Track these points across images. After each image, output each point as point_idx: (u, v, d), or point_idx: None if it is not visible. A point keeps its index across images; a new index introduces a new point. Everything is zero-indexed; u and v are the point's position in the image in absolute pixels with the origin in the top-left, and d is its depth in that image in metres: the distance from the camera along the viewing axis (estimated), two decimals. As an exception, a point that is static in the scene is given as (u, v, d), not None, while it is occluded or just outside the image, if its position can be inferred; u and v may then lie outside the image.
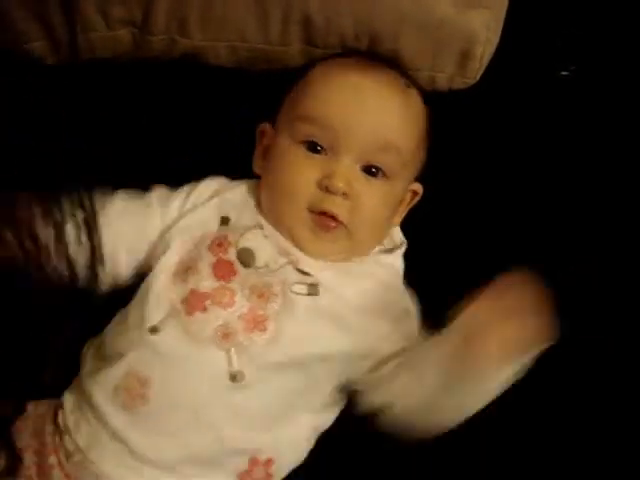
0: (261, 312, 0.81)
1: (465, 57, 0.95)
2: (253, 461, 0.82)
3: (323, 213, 0.84)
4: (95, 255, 0.86)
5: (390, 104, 0.87)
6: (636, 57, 1.01)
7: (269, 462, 0.83)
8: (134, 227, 0.88)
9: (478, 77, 0.97)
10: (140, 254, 0.88)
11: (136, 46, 0.98)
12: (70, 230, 0.85)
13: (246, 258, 0.84)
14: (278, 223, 0.87)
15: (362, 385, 0.85)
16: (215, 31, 0.95)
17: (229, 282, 0.82)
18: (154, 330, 0.81)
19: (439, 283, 0.93)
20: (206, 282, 0.82)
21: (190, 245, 0.86)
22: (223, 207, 0.89)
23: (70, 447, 0.81)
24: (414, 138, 0.89)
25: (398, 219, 0.94)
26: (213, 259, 0.83)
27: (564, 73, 1.03)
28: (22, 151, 0.86)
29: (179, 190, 0.91)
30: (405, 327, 0.86)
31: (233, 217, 0.88)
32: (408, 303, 0.88)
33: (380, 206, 0.87)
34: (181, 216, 0.88)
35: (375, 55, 0.93)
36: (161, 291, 0.83)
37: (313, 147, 0.86)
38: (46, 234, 0.82)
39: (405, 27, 0.92)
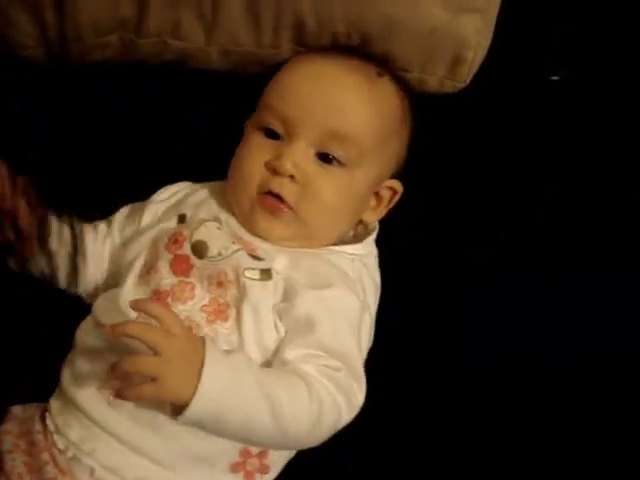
0: (222, 300, 0.82)
1: (456, 61, 0.96)
2: (244, 452, 0.81)
3: (269, 193, 0.85)
4: (76, 251, 0.88)
5: (346, 90, 0.86)
6: (627, 61, 1.02)
7: (263, 454, 0.82)
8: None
9: (468, 81, 0.97)
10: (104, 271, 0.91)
11: (126, 50, 0.97)
12: (54, 225, 0.87)
13: (200, 250, 0.84)
14: (235, 208, 0.88)
15: None
16: (207, 35, 0.96)
17: (188, 277, 0.83)
18: None
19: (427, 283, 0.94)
20: (166, 280, 0.83)
21: (150, 247, 0.86)
22: (181, 207, 0.90)
23: (61, 445, 0.80)
24: (375, 127, 0.87)
25: (375, 216, 0.93)
26: (170, 256, 0.84)
27: (554, 78, 1.03)
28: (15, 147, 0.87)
29: (138, 205, 0.93)
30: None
31: (189, 214, 0.89)
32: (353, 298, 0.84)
33: (335, 194, 0.86)
34: (144, 228, 0.90)
35: (357, 49, 0.93)
36: (128, 295, 0.83)
37: (271, 134, 0.87)
38: (30, 226, 0.84)
39: (396, 30, 0.93)
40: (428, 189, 0.99)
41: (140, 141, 1.00)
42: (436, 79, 0.97)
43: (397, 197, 0.93)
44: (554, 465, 0.91)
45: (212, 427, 0.74)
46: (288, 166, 0.84)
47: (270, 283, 0.82)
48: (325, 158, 0.85)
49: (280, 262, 0.84)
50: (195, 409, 0.70)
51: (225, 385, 0.72)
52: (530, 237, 1.01)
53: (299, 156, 0.84)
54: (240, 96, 0.97)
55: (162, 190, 0.94)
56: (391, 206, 0.93)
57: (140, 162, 0.98)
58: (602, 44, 1.02)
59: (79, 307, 0.89)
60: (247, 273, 0.82)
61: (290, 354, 0.79)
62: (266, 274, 0.82)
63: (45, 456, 0.80)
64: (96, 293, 0.91)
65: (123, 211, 0.94)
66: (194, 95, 1.01)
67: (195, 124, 1.01)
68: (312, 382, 0.76)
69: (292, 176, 0.84)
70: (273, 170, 0.84)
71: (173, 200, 0.93)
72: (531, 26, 1.01)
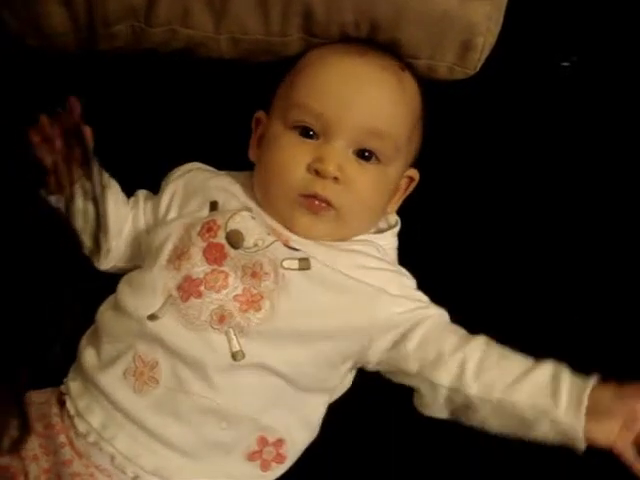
0: (255, 291, 0.82)
1: (466, 48, 0.95)
2: (261, 440, 0.82)
3: (314, 196, 0.85)
4: (99, 223, 0.89)
5: (383, 89, 0.87)
6: (637, 48, 1.01)
7: (280, 442, 0.83)
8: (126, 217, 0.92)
9: (478, 67, 0.97)
10: (131, 243, 0.92)
11: (136, 39, 0.98)
12: (78, 197, 0.88)
13: (235, 240, 0.84)
14: (270, 207, 0.88)
15: (387, 365, 0.87)
16: (216, 23, 0.95)
17: (221, 265, 0.83)
18: (153, 317, 0.82)
19: (438, 272, 0.94)
20: (199, 268, 0.83)
21: (181, 232, 0.86)
22: (211, 193, 0.90)
23: (82, 429, 0.81)
24: (408, 123, 0.89)
25: (394, 206, 0.94)
26: (204, 244, 0.84)
27: (565, 64, 1.02)
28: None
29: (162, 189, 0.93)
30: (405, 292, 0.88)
31: (221, 201, 0.89)
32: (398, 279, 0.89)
33: (373, 191, 0.87)
34: (169, 211, 0.91)
35: (370, 41, 0.93)
36: (156, 279, 0.84)
37: (306, 132, 0.86)
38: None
39: (406, 17, 0.92)
40: (437, 177, 0.98)
41: (148, 130, 1.00)
42: (446, 66, 0.97)
43: (413, 185, 0.94)
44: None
45: None
46: (331, 169, 0.84)
47: (310, 272, 0.83)
48: (362, 155, 0.86)
49: (316, 250, 0.85)
50: None
51: None
52: (537, 226, 1.00)
53: (340, 157, 0.85)
54: (249, 85, 0.98)
55: (175, 170, 0.94)
56: (407, 194, 0.95)
57: (148, 151, 0.98)
58: (613, 29, 1.01)
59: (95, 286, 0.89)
60: (285, 264, 0.83)
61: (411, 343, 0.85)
62: (305, 263, 0.83)
63: (62, 438, 0.81)
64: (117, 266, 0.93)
65: (143, 192, 0.95)
66: (203, 83, 1.01)
67: (204, 113, 1.01)
68: None
69: (335, 178, 0.84)
70: (315, 172, 0.84)
71: (191, 180, 0.92)
72: (541, 12, 1.00)
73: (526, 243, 1.00)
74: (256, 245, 0.84)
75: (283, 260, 0.83)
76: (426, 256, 0.97)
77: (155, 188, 0.95)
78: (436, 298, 0.91)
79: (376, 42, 0.93)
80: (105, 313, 0.87)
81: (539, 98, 1.01)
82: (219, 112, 1.00)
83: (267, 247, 0.84)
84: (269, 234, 0.85)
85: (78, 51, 0.97)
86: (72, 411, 0.83)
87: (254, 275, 0.82)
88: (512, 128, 1.01)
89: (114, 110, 0.99)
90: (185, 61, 0.99)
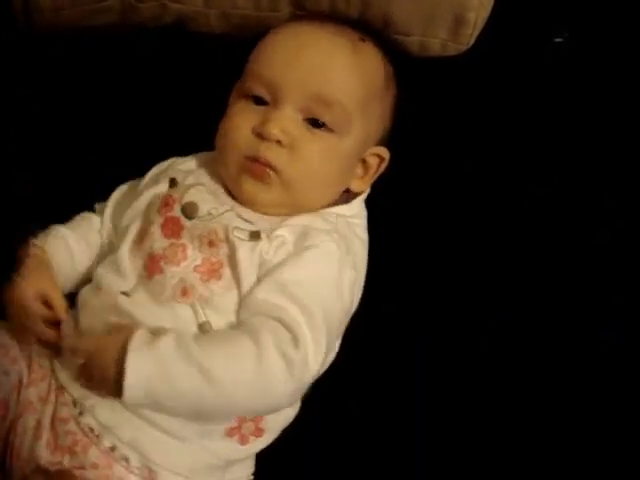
0: (214, 260, 0.82)
1: (458, 22, 0.94)
2: (239, 417, 0.82)
3: (256, 159, 0.84)
4: None
5: (332, 54, 0.86)
6: (631, 23, 1.01)
7: (258, 418, 0.83)
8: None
9: (471, 43, 0.96)
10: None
11: (125, 14, 0.97)
12: None
13: (190, 210, 0.84)
14: (223, 175, 0.88)
15: None
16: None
17: (179, 238, 0.83)
18: (126, 294, 0.82)
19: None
20: (158, 243, 0.83)
21: (145, 212, 0.87)
22: (172, 173, 0.90)
23: (67, 398, 0.82)
24: (360, 91, 0.86)
25: (362, 185, 0.92)
26: (161, 219, 0.85)
27: (558, 40, 1.02)
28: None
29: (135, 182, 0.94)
30: None
31: (180, 179, 0.89)
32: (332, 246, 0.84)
33: (322, 160, 0.85)
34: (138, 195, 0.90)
35: (346, 19, 0.92)
36: (127, 260, 0.84)
37: (257, 100, 0.86)
38: None
39: (397, -9, 0.92)
40: (431, 154, 0.98)
41: (139, 104, 0.99)
42: (438, 42, 0.96)
43: (384, 165, 0.92)
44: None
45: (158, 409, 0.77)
46: (274, 131, 0.83)
47: (260, 244, 0.82)
48: (314, 123, 0.85)
49: (267, 224, 0.84)
50: (128, 397, 0.74)
51: (150, 375, 0.74)
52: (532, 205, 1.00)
53: (286, 121, 0.84)
54: (240, 59, 0.97)
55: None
56: (378, 174, 0.92)
57: (139, 126, 0.98)
58: (605, 5, 1.01)
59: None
60: (236, 232, 0.82)
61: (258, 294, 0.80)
62: (255, 236, 0.82)
63: (66, 398, 0.82)
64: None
65: (122, 188, 0.94)
66: (193, 58, 1.00)
67: (194, 87, 1.00)
68: (260, 339, 0.76)
69: (279, 141, 0.83)
70: (260, 135, 0.84)
71: (161, 165, 0.93)
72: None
73: (523, 229, 0.99)
74: (210, 214, 0.84)
75: (234, 228, 0.82)
76: (419, 236, 0.98)
77: (146, 163, 0.94)
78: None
79: (360, 21, 0.92)
80: (85, 291, 0.87)
81: (532, 74, 1.01)
82: (209, 86, 0.99)
83: (221, 214, 0.84)
84: (223, 204, 0.85)
85: (70, 28, 0.96)
86: (56, 383, 0.83)
87: (211, 244, 0.82)
88: (504, 104, 1.00)
89: (103, 85, 0.99)
90: (174, 36, 0.98)
